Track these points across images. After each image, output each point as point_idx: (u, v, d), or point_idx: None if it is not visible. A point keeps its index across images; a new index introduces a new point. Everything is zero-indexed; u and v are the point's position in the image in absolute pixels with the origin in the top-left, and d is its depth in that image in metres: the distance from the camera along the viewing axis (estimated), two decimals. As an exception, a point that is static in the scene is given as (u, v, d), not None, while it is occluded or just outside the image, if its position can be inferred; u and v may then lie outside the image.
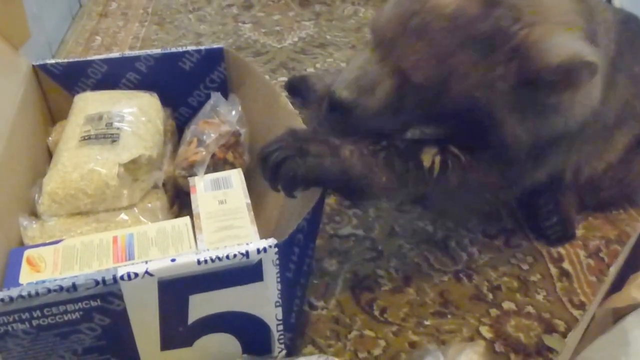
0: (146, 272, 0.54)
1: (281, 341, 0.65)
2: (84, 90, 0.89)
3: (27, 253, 0.66)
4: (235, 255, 0.56)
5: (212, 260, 0.56)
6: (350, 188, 0.68)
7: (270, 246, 0.57)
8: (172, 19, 1.51)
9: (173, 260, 0.55)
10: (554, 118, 0.69)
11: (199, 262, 0.55)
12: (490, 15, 0.61)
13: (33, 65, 0.88)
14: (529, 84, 0.63)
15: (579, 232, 0.89)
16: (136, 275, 0.54)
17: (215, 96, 0.89)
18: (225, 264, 0.56)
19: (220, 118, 0.85)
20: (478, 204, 0.80)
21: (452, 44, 0.62)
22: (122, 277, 0.54)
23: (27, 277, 0.63)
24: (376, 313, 0.76)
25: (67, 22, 1.47)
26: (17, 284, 0.62)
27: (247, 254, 0.57)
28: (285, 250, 0.59)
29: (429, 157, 0.68)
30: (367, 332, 0.74)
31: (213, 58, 0.90)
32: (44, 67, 0.88)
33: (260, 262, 0.57)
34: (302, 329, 0.73)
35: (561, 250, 0.86)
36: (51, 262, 0.65)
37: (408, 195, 0.70)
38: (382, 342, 0.72)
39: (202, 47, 0.90)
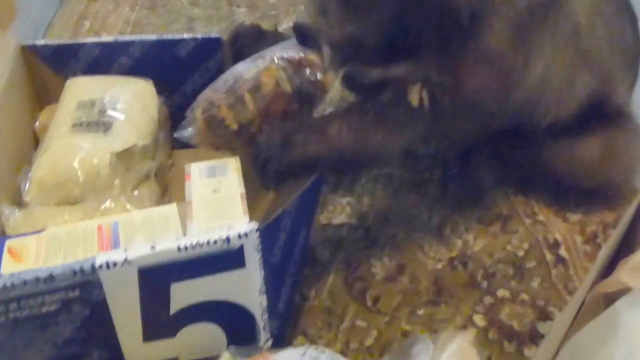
0: (125, 260, 0.53)
1: (267, 329, 0.63)
2: (74, 73, 0.87)
3: (9, 243, 0.65)
4: (216, 241, 0.55)
5: (193, 247, 0.55)
6: (344, 163, 0.70)
7: (251, 230, 0.56)
8: (165, 3, 1.46)
9: (152, 247, 0.54)
10: None
11: (179, 249, 0.54)
12: None
13: (21, 46, 0.86)
14: None
15: (576, 217, 0.87)
16: (115, 264, 0.53)
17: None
18: (207, 250, 0.55)
19: None
20: (482, 116, 0.77)
21: None
22: (100, 267, 0.53)
23: (9, 267, 0.62)
24: (369, 303, 0.75)
25: (54, 6, 1.41)
26: (-2, 275, 0.61)
27: (228, 240, 0.55)
28: (268, 235, 0.58)
29: (415, 95, 0.69)
30: (359, 323, 0.73)
31: (210, 47, 0.88)
32: (33, 48, 0.86)
33: (241, 248, 0.56)
34: (294, 319, 0.72)
35: (557, 236, 0.84)
36: (34, 251, 0.64)
37: (408, 143, 0.72)
38: (375, 332, 0.72)
39: (199, 36, 0.88)
